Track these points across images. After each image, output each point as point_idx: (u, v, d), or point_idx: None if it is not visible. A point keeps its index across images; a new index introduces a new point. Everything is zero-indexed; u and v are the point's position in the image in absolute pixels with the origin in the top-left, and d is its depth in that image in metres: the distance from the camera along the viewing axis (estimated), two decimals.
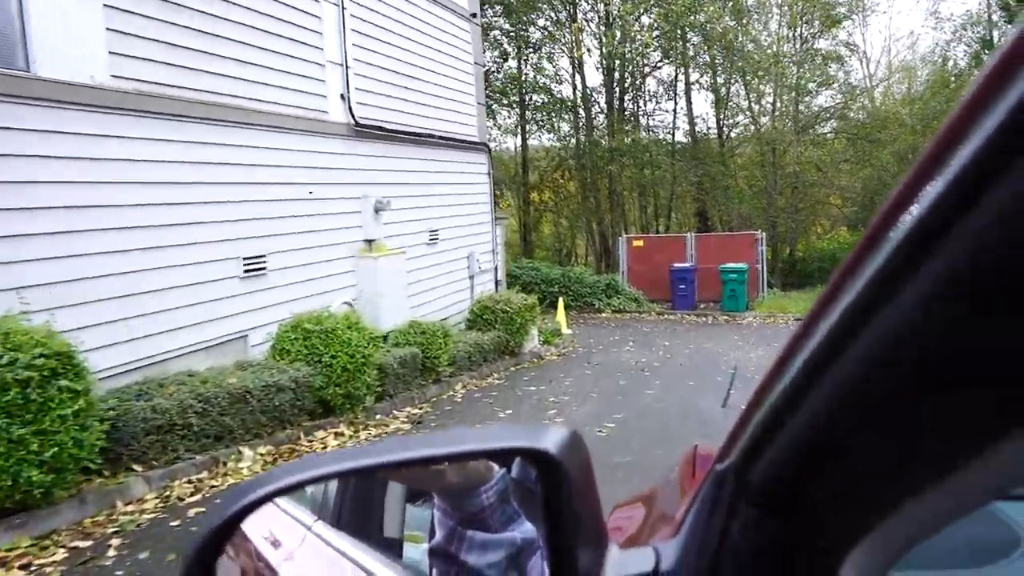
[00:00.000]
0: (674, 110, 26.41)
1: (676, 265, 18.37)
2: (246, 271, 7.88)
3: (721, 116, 26.85)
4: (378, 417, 8.01)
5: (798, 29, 27.49)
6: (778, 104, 26.82)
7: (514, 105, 25.36)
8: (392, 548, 1.20)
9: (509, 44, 23.70)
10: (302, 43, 8.77)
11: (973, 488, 0.46)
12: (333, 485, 1.30)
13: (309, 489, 1.30)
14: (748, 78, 25.66)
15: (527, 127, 26.57)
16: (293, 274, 8.57)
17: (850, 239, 29.57)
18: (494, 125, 25.31)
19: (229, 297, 7.66)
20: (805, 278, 26.89)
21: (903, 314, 0.41)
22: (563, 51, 24.54)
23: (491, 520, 0.89)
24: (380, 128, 10.30)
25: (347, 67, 9.59)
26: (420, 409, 8.64)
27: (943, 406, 0.43)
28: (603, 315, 18.23)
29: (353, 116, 9.70)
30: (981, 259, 0.36)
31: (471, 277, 13.03)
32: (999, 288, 0.36)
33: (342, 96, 9.57)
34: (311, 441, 6.86)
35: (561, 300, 16.09)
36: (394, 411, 8.36)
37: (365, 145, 10.04)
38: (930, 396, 0.43)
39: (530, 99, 24.79)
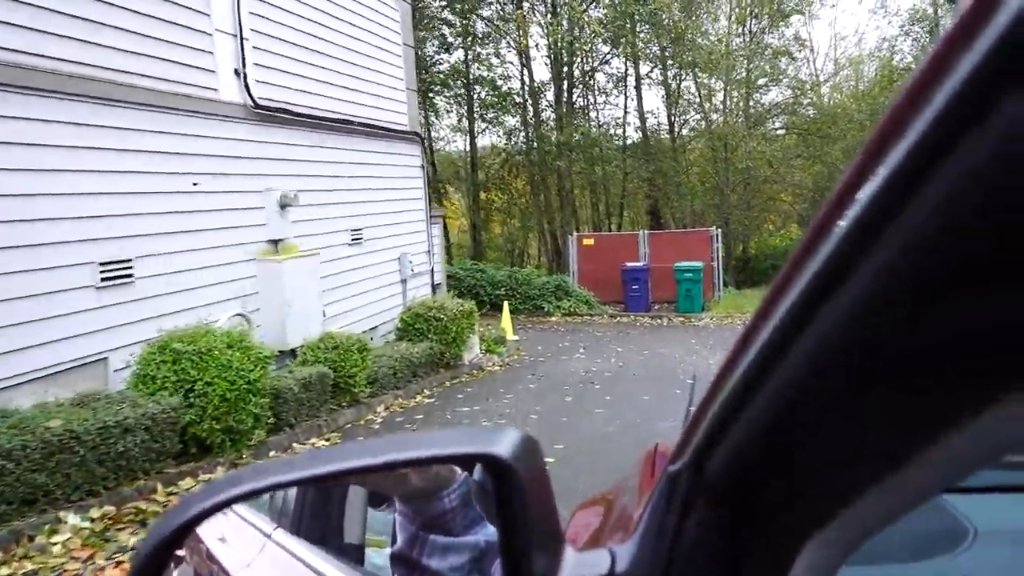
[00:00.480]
0: (624, 105, 25.22)
1: (628, 264, 17.09)
2: (105, 279, 6.28)
3: (672, 111, 25.74)
4: (271, 454, 6.49)
5: (747, 24, 26.73)
6: (728, 100, 25.91)
7: (461, 101, 23.83)
8: (354, 554, 1.17)
9: (452, 36, 22.13)
10: (179, 4, 7.20)
11: (924, 480, 0.47)
12: (292, 492, 1.25)
13: (265, 496, 1.23)
14: (698, 72, 24.67)
15: (475, 124, 25.16)
16: (171, 282, 6.99)
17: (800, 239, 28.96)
18: (437, 119, 23.84)
19: (81, 311, 6.07)
20: (759, 276, 26.08)
21: (848, 307, 0.41)
22: (511, 45, 23.17)
23: (453, 524, 0.88)
24: (286, 111, 8.77)
25: (242, 38, 8.03)
26: (327, 440, 7.14)
27: (893, 398, 0.43)
28: (553, 319, 16.88)
29: (251, 96, 8.14)
30: (919, 251, 0.36)
31: (403, 281, 11.54)
32: (940, 280, 0.36)
33: (236, 72, 8.01)
34: (172, 494, 5.32)
35: (506, 304, 14.70)
36: (295, 443, 6.85)
37: (268, 130, 8.50)
38: (879, 388, 0.43)
39: (476, 95, 23.25)
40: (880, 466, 0.46)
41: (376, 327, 10.66)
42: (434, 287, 12.58)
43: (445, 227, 28.57)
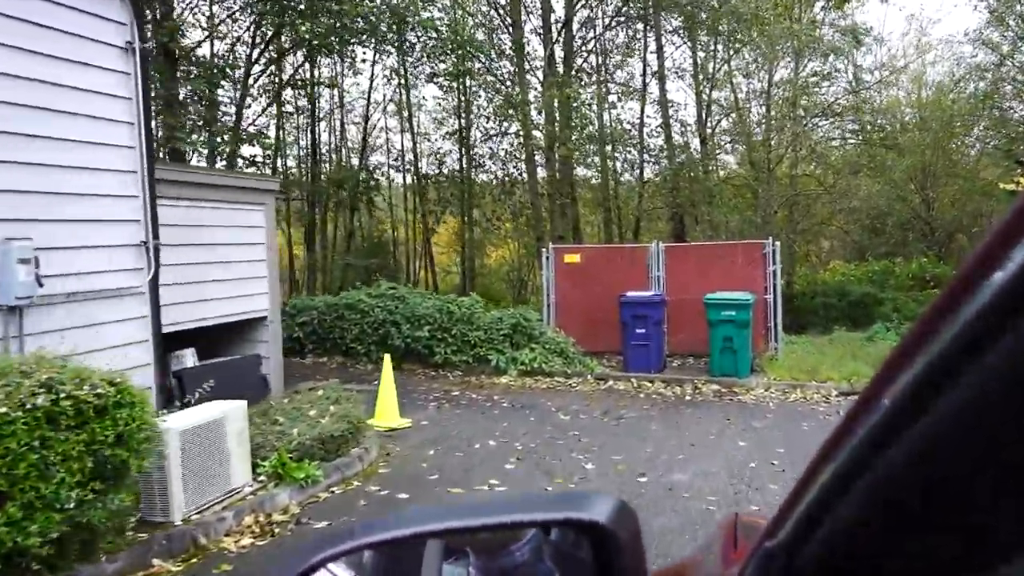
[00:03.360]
0: (643, 90, 17.76)
1: (630, 295, 9.55)
2: None
3: (703, 106, 18.33)
4: None
5: (795, 10, 19.58)
6: (771, 93, 18.61)
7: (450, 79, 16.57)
8: None
9: None
10: None
11: None
12: None
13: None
14: (734, 43, 17.42)
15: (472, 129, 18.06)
16: None
17: (855, 272, 21.28)
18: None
19: None
20: (806, 316, 18.23)
21: (984, 383, 0.36)
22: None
23: None
24: None
25: None
26: None
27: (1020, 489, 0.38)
28: (503, 380, 9.36)
29: None
30: None
31: (9, 310, 4.19)
32: None
33: None
34: None
35: (387, 360, 7.21)
36: None
37: None
38: (1010, 479, 0.37)
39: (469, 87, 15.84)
40: (994, 562, 0.40)
41: None
42: (158, 332, 5.14)
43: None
